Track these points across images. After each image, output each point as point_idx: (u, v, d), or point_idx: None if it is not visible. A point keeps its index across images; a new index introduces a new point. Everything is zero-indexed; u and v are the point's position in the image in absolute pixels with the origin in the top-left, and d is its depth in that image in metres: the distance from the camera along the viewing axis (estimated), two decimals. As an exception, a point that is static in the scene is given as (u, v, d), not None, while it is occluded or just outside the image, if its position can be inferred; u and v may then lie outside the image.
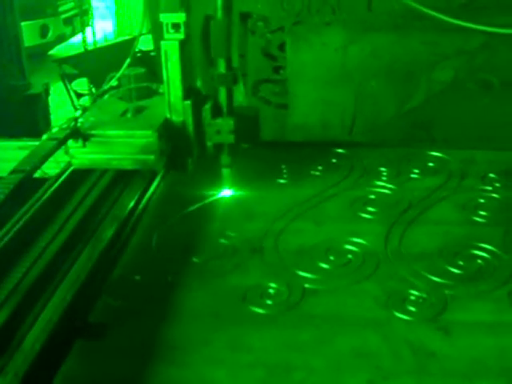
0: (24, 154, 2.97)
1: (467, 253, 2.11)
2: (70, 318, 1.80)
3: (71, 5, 9.60)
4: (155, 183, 2.64)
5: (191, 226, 2.38)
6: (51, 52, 9.83)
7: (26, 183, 2.04)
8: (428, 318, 1.84)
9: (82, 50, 6.54)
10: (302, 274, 2.04)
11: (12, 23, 5.51)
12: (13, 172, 2.04)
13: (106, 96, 2.77)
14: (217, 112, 2.50)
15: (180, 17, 2.35)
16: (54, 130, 2.39)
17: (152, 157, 2.35)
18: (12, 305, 1.73)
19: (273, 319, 1.86)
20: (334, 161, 2.79)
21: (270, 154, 2.84)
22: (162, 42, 2.37)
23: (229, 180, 2.58)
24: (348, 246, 2.17)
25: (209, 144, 2.51)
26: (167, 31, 2.37)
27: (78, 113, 2.58)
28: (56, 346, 1.71)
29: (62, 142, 2.29)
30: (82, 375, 1.70)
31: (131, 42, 5.30)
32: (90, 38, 7.94)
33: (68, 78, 5.13)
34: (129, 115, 2.51)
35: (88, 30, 8.29)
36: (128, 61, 2.61)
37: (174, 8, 2.35)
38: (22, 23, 5.81)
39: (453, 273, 2.02)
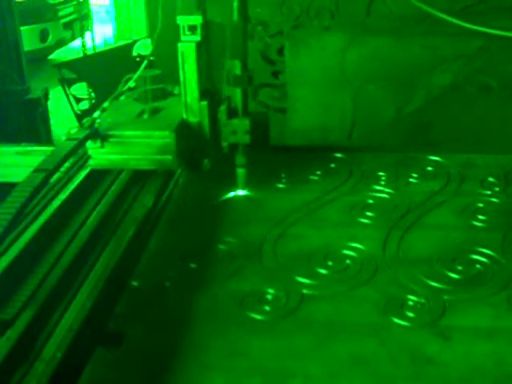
0: (22, 159, 2.98)
1: (466, 258, 2.11)
2: (91, 325, 1.78)
3: (71, 9, 9.60)
4: (171, 185, 2.65)
5: (191, 230, 2.37)
6: (51, 56, 9.82)
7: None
8: (426, 323, 1.83)
9: (82, 54, 6.54)
10: (300, 279, 2.04)
11: (11, 28, 5.49)
12: (35, 171, 2.04)
13: (122, 98, 2.79)
14: (232, 113, 2.52)
15: (197, 19, 2.39)
16: (73, 130, 2.43)
17: (170, 157, 2.39)
18: (31, 311, 1.73)
19: (270, 325, 1.85)
20: (332, 166, 2.78)
21: (269, 158, 2.83)
22: (179, 44, 2.42)
23: (243, 180, 2.59)
24: (346, 252, 2.16)
25: (224, 144, 2.54)
26: (184, 33, 2.42)
27: (97, 114, 2.61)
28: (77, 354, 1.69)
29: (82, 142, 2.31)
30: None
31: (130, 47, 5.31)
32: (89, 43, 7.93)
33: (67, 83, 5.12)
34: (146, 116, 2.53)
35: (88, 34, 8.29)
36: (145, 63, 2.65)
37: (191, 10, 2.38)
38: (22, 28, 5.80)
39: (451, 278, 2.01)
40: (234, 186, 2.59)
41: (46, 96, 5.68)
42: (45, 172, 2.02)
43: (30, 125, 5.47)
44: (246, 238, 2.28)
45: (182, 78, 2.46)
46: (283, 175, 2.70)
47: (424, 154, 2.83)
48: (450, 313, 1.87)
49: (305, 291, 1.98)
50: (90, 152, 2.42)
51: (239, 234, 2.30)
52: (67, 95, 5.15)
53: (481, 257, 2.10)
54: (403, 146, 3.17)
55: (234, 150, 2.56)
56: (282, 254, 2.17)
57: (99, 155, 2.42)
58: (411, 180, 2.63)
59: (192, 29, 2.41)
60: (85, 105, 5.39)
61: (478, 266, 2.07)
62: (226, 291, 2.01)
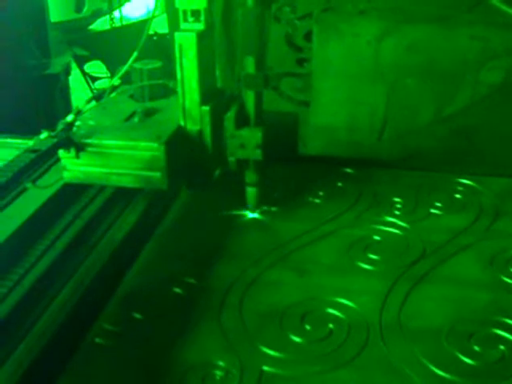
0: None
1: (487, 332, 1.60)
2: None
3: (107, -22, 9.36)
4: (159, 207, 2.29)
5: (148, 267, 1.96)
6: (92, 27, 9.63)
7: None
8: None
9: (109, 27, 6.23)
10: (263, 349, 1.57)
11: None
12: None
13: (114, 94, 2.41)
14: (242, 121, 2.11)
15: (200, 2, 1.96)
16: (43, 135, 1.99)
17: (158, 174, 1.99)
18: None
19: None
20: (339, 184, 2.32)
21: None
22: (176, 34, 1.99)
23: (254, 201, 2.20)
24: (331, 311, 1.69)
25: (231, 159, 2.13)
26: (185, 19, 2.00)
27: (70, 117, 2.15)
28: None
29: (46, 154, 1.95)
30: None
31: (148, 23, 4.94)
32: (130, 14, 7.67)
33: (81, 60, 4.81)
34: (136, 119, 2.14)
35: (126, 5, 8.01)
36: (141, 43, 2.24)
37: None
38: (55, -4, 5.54)
39: (464, 363, 1.52)
40: (241, 207, 2.21)
41: (66, 71, 5.41)
42: None
43: (47, 102, 5.21)
44: (209, 280, 1.83)
45: (179, 77, 2.04)
46: (276, 194, 2.24)
47: (454, 175, 2.34)
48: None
49: (265, 368, 1.52)
50: (63, 162, 2.03)
51: (202, 274, 1.85)
52: (83, 73, 4.84)
53: (508, 333, 1.60)
54: (430, 164, 2.72)
55: (244, 165, 2.16)
56: (249, 310, 1.71)
57: (75, 166, 2.03)
58: (432, 211, 2.15)
59: (195, 14, 1.99)
60: (104, 84, 5.12)
61: (501, 347, 1.56)
62: (166, 360, 1.56)
